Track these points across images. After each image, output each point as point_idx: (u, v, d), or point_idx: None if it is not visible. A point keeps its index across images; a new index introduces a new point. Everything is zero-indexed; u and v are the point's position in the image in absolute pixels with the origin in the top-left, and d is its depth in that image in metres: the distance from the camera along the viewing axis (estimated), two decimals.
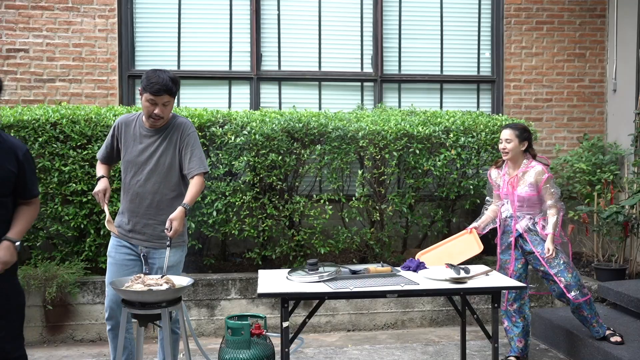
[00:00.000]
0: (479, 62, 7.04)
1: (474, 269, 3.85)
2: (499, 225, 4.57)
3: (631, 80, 6.63)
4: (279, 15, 6.74)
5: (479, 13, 7.01)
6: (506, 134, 4.44)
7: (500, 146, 4.47)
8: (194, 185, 3.63)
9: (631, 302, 5.02)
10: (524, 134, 4.45)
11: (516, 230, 4.45)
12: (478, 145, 5.81)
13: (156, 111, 3.58)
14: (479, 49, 7.03)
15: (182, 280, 3.37)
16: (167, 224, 3.45)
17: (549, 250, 4.31)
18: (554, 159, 6.86)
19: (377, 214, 5.73)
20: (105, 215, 3.61)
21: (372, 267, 3.78)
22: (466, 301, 3.81)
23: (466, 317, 4.02)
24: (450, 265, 3.84)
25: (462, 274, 3.66)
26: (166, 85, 3.54)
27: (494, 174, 4.65)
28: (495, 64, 7.00)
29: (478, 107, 6.99)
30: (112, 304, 3.64)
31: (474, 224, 4.57)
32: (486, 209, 4.69)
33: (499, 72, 6.98)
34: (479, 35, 7.02)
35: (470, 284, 3.56)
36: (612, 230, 5.85)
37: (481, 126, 5.87)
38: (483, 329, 3.69)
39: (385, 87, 6.86)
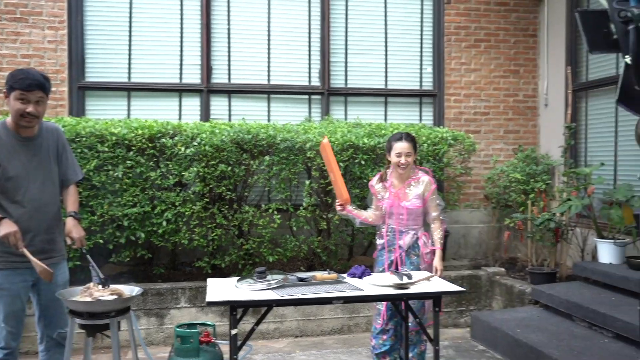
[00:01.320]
0: (421, 77, 7.19)
1: (417, 275, 3.93)
2: (383, 243, 4.28)
3: (561, 96, 6.89)
4: (229, 29, 6.73)
5: (421, 30, 7.17)
6: (405, 147, 4.12)
7: (400, 160, 4.12)
8: (74, 193, 3.50)
9: (561, 304, 5.20)
10: (416, 145, 4.24)
11: (399, 247, 4.19)
12: (421, 157, 5.92)
13: (29, 109, 3.19)
14: (421, 64, 7.18)
15: (131, 290, 3.32)
16: (70, 237, 3.33)
17: (436, 269, 4.11)
18: (492, 169, 7.06)
19: (324, 223, 5.77)
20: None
21: (319, 274, 3.81)
22: (409, 306, 3.87)
23: (409, 321, 4.08)
24: (395, 272, 3.90)
25: (405, 280, 3.72)
26: (38, 80, 3.20)
27: (377, 184, 4.31)
28: (437, 78, 7.16)
29: (420, 119, 7.13)
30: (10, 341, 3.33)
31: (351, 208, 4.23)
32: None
33: (440, 86, 7.15)
34: (421, 52, 7.18)
35: (412, 290, 3.63)
36: (545, 236, 6.05)
37: (423, 138, 5.99)
38: (425, 332, 3.76)
39: (332, 100, 6.93)
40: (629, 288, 5.00)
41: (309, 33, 6.91)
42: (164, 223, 5.34)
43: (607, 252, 5.53)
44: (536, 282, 5.82)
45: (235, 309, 3.34)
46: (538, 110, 7.36)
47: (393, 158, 4.18)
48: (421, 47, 7.18)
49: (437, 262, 4.16)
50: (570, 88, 6.67)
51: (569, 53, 6.77)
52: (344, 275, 3.91)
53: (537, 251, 6.28)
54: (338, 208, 4.17)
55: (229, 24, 6.74)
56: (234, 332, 3.33)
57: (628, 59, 2.25)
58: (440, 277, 4.05)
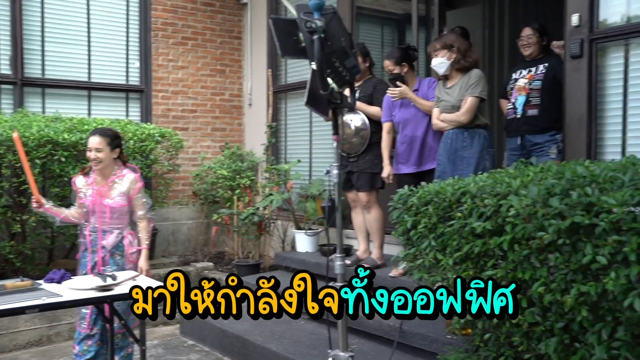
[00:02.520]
0: (128, 72, 6.96)
1: (122, 275, 3.79)
2: (86, 243, 4.07)
3: (263, 97, 7.33)
4: None
5: (127, 23, 6.94)
6: (95, 142, 3.93)
7: (90, 155, 3.94)
8: None
9: None
10: (116, 141, 4.03)
11: (103, 247, 4.02)
12: (127, 154, 5.72)
13: None
14: (127, 58, 6.95)
15: None
16: None
17: (141, 269, 3.98)
18: (200, 166, 7.17)
19: (18, 226, 5.22)
20: None
21: (10, 282, 3.42)
22: (113, 308, 3.72)
23: (114, 324, 3.93)
24: (98, 274, 3.71)
25: (109, 282, 3.57)
26: None
27: (80, 181, 4.08)
28: (144, 74, 7.01)
29: (127, 115, 6.91)
30: None
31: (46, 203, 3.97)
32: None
33: (148, 82, 7.01)
34: (127, 45, 6.95)
35: (117, 291, 3.49)
36: (249, 229, 6.38)
37: (130, 134, 5.82)
38: (131, 334, 3.66)
39: (27, 91, 6.31)
40: (321, 272, 5.54)
41: None
42: None
43: (303, 242, 6.05)
44: (242, 273, 6.09)
45: None
46: (243, 110, 7.71)
47: (88, 154, 4.00)
48: (127, 41, 6.95)
49: (142, 262, 4.08)
50: (271, 90, 7.14)
51: (270, 57, 7.22)
52: (40, 281, 3.59)
53: (243, 244, 6.58)
54: (34, 205, 3.86)
55: None
56: None
57: (314, 66, 2.48)
58: (147, 276, 3.97)
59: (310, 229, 6.09)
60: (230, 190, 6.84)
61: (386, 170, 4.88)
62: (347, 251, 5.60)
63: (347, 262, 4.91)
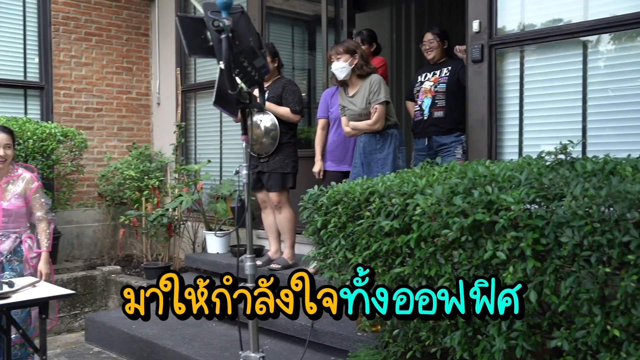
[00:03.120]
0: (25, 67, 6.59)
1: (20, 281, 3.59)
2: None
3: (172, 96, 7.17)
4: None
5: (24, 17, 6.57)
6: (4, 138, 3.82)
7: None
8: None
9: None
10: (14, 139, 3.94)
11: (0, 253, 3.84)
12: (25, 153, 5.44)
13: None
14: (25, 53, 6.58)
15: None
16: None
17: (41, 274, 3.87)
18: (106, 166, 6.92)
19: None
20: None
21: None
22: (10, 317, 3.51)
23: (11, 334, 3.71)
24: None
25: (6, 289, 3.37)
26: None
27: None
28: (44, 70, 6.67)
29: (26, 113, 6.54)
30: None
31: None
32: None
33: (48, 79, 6.68)
34: (25, 40, 6.57)
35: (14, 298, 3.30)
36: (159, 231, 6.22)
37: (29, 133, 5.52)
38: (31, 344, 3.47)
39: None
40: (232, 273, 5.48)
41: None
42: None
43: (214, 243, 5.96)
44: (151, 277, 5.93)
45: None
46: (151, 109, 7.50)
47: None
48: (25, 35, 6.58)
49: (42, 265, 3.88)
50: (179, 89, 6.99)
51: (179, 55, 7.07)
52: None
53: (152, 247, 6.41)
54: None
55: None
56: None
57: (222, 65, 2.45)
58: (48, 281, 3.79)
59: (220, 230, 6.01)
60: (138, 191, 6.64)
61: (317, 166, 4.93)
62: (259, 252, 5.57)
63: (259, 262, 4.89)
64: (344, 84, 4.44)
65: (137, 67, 7.37)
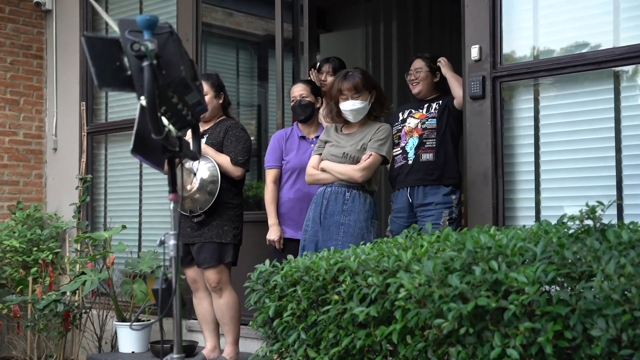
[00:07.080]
0: None
1: None
2: None
3: (74, 138, 7.13)
4: None
5: None
6: None
7: None
8: None
9: None
10: None
11: None
12: None
13: None
14: None
15: None
16: None
17: None
18: None
19: None
20: None
21: None
22: None
23: None
24: None
25: None
26: None
27: None
28: None
29: None
30: None
31: None
32: None
33: None
34: None
35: None
36: (50, 324, 6.07)
37: None
38: None
39: None
40: None
41: None
42: None
43: (128, 339, 5.83)
44: None
45: None
46: (45, 156, 7.45)
47: None
48: None
49: None
50: (85, 130, 6.97)
51: (85, 85, 7.07)
52: None
53: (40, 345, 6.26)
54: None
55: None
56: None
57: (143, 101, 2.45)
58: None
59: (138, 321, 5.92)
60: (24, 268, 6.52)
61: (274, 232, 4.91)
62: (191, 350, 5.49)
63: None
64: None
65: (25, 99, 7.33)
